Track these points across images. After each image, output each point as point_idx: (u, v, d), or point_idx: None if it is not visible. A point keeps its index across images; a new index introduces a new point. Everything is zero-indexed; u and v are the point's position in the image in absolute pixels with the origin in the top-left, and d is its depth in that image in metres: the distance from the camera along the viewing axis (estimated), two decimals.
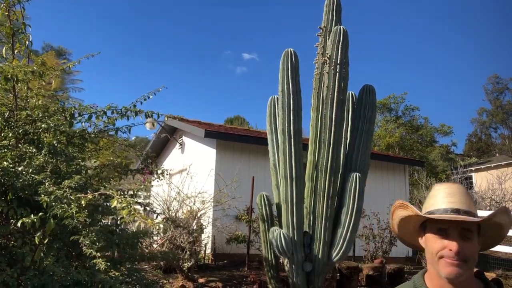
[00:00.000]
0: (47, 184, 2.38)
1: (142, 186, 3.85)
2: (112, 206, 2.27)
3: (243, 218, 7.78)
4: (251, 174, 7.94)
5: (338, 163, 4.15)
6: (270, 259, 4.28)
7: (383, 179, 10.62)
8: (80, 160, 3.21)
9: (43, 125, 2.81)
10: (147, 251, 5.51)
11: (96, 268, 2.20)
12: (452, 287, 1.19)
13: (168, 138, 11.02)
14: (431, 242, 1.23)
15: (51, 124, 2.75)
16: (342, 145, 4.28)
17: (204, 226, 7.14)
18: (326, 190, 4.03)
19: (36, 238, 2.43)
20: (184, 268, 5.94)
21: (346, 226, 3.97)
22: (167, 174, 4.08)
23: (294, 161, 4.05)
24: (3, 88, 2.85)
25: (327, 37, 4.33)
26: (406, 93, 25.66)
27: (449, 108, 58.68)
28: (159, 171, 3.98)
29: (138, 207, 3.26)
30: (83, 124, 3.22)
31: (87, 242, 2.25)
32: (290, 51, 4.23)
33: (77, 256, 2.84)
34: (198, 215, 6.81)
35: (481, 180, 16.69)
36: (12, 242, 2.62)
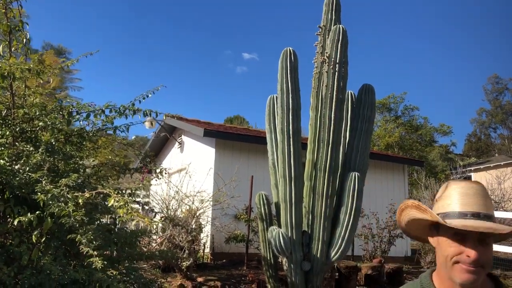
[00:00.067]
0: (44, 182, 2.37)
1: (140, 185, 3.83)
2: (109, 205, 2.25)
3: (242, 217, 7.77)
4: (250, 173, 7.93)
5: (337, 163, 4.14)
6: (268, 258, 4.27)
7: (382, 178, 10.62)
8: (78, 159, 3.20)
9: (40, 123, 2.79)
10: (145, 250, 5.50)
11: (93, 266, 2.19)
12: None
13: (167, 137, 11.01)
14: (445, 245, 1.14)
15: (48, 122, 2.74)
16: (341, 145, 4.27)
17: (203, 225, 7.13)
18: (325, 190, 4.02)
19: (33, 236, 2.42)
20: (183, 267, 5.93)
21: (344, 225, 3.96)
22: (165, 173, 4.07)
23: (293, 160, 4.04)
24: (0, 86, 2.83)
25: (327, 36, 4.31)
26: (405, 92, 25.71)
27: (449, 108, 58.80)
28: (158, 170, 3.97)
29: (136, 206, 3.25)
30: (81, 122, 3.21)
31: (84, 240, 2.24)
32: (289, 50, 4.22)
33: (75, 255, 2.83)
34: (197, 214, 6.80)
35: (480, 180, 16.70)
36: (10, 241, 2.62)
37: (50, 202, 2.24)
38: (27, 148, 2.74)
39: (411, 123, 25.58)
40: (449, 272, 1.13)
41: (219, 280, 6.14)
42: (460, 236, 1.10)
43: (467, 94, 59.53)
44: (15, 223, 2.34)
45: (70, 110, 3.03)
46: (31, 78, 3.06)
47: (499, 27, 56.45)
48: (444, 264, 1.14)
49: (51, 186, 2.32)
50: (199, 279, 6.09)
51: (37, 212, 2.35)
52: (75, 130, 3.30)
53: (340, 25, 4.15)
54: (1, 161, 2.48)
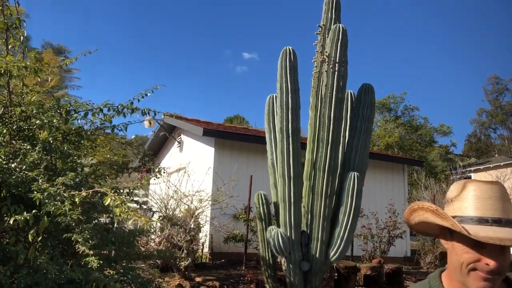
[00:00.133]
0: (40, 181, 2.35)
1: (138, 184, 3.81)
2: (105, 204, 2.24)
3: (241, 217, 7.76)
4: (249, 172, 7.92)
5: (336, 162, 4.13)
6: (267, 258, 4.26)
7: (382, 179, 10.61)
8: (76, 158, 3.18)
9: (37, 122, 2.77)
10: (143, 249, 5.49)
11: (89, 266, 2.17)
12: None
13: (166, 136, 10.99)
14: (461, 251, 1.07)
15: (45, 121, 2.72)
16: (341, 144, 4.25)
17: (201, 225, 7.11)
18: (324, 189, 4.00)
19: (29, 235, 2.40)
20: (181, 267, 5.91)
21: (344, 225, 3.94)
22: (164, 172, 4.05)
23: (292, 160, 4.02)
24: None
25: (326, 36, 4.29)
26: (405, 93, 25.74)
27: (449, 108, 58.83)
28: (157, 169, 3.95)
29: (133, 205, 3.24)
30: (79, 121, 3.19)
31: (80, 239, 2.22)
32: (289, 49, 4.20)
33: (72, 254, 2.81)
34: (196, 213, 6.78)
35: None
36: (6, 240, 2.60)
37: (47, 200, 2.22)
38: (24, 147, 2.72)
39: (411, 123, 25.60)
40: (464, 278, 1.07)
41: (218, 280, 6.12)
42: (479, 243, 1.04)
43: (467, 95, 59.60)
44: (11, 222, 2.32)
45: (68, 108, 3.01)
46: (29, 76, 3.04)
47: (499, 27, 56.50)
48: (458, 269, 1.08)
49: (48, 185, 2.30)
50: (198, 279, 6.07)
51: (34, 211, 2.34)
52: (73, 128, 3.28)
53: (340, 24, 4.13)
54: None
